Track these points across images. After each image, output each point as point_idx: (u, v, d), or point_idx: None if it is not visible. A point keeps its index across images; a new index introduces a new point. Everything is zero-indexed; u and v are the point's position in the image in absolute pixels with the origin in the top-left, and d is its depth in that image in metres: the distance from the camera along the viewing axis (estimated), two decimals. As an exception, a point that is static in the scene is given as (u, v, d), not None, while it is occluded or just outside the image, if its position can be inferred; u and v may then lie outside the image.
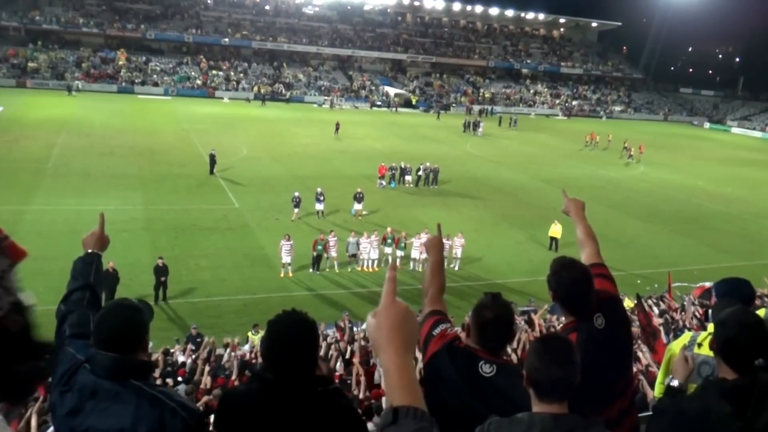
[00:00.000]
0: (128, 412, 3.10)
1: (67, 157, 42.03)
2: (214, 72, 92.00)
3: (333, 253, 27.41)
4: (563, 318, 4.24)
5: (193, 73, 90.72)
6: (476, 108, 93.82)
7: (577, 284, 3.93)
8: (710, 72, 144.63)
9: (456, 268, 28.32)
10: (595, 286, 4.07)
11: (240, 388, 3.78)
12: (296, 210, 32.64)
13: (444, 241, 26.39)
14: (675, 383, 4.07)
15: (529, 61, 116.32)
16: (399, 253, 28.37)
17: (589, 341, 3.84)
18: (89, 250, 4.07)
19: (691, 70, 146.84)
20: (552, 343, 3.14)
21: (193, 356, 16.39)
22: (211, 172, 40.63)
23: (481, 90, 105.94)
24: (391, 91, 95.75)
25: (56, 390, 3.33)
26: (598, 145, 68.04)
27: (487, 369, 3.60)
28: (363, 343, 17.06)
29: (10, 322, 2.69)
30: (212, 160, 40.71)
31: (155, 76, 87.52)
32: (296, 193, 32.84)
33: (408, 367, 2.14)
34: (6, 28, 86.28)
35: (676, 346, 4.74)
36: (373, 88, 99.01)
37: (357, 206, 34.68)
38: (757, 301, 12.82)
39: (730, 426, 3.42)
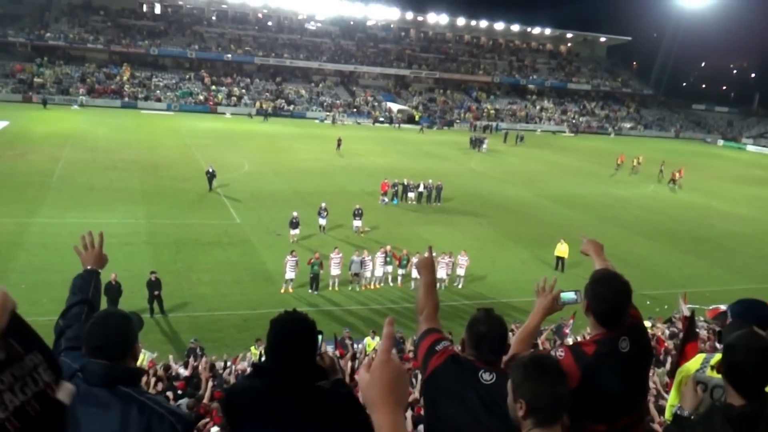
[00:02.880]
0: (116, 418, 3.18)
1: (72, 171, 42.05)
2: (216, 87, 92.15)
3: (336, 271, 27.01)
4: (588, 329, 4.26)
5: (195, 89, 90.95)
6: (481, 124, 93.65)
7: (616, 298, 3.92)
8: (724, 88, 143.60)
9: (459, 287, 28.04)
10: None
11: (243, 382, 3.83)
12: (294, 231, 31.80)
13: (447, 258, 26.22)
14: (685, 412, 3.91)
15: (535, 76, 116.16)
16: (400, 271, 28.03)
17: (608, 357, 3.85)
18: (88, 267, 4.24)
19: (704, 85, 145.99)
20: (545, 362, 3.11)
21: (193, 369, 16.22)
22: (210, 188, 40.35)
23: (486, 106, 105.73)
24: (394, 107, 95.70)
25: None
26: (633, 167, 64.02)
27: (487, 377, 3.61)
28: (364, 360, 16.81)
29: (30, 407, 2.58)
30: (211, 176, 40.46)
31: (158, 91, 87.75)
32: (294, 214, 32.13)
33: (401, 425, 2.12)
34: (13, 44, 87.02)
35: (689, 367, 4.63)
36: (376, 104, 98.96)
37: (357, 223, 34.41)
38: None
39: None
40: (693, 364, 4.74)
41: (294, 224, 31.73)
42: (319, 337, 3.67)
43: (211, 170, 40.63)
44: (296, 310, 3.67)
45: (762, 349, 3.41)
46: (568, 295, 4.49)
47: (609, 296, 3.90)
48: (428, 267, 4.39)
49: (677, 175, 57.37)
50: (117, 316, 3.50)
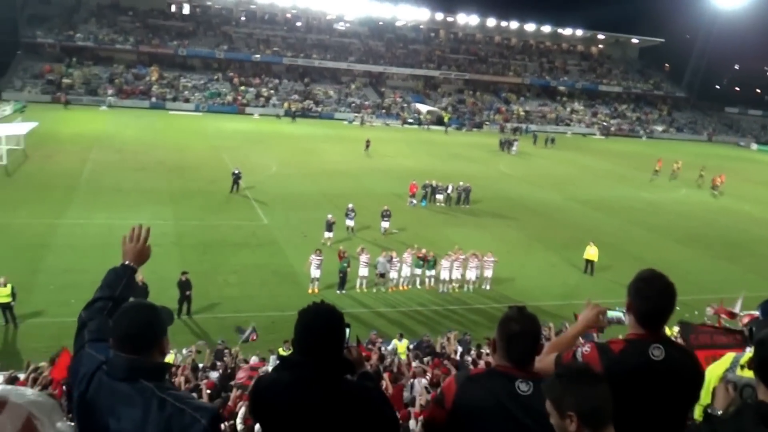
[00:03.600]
0: (137, 414, 3.11)
1: (99, 172, 42.32)
2: (244, 88, 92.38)
3: (363, 272, 26.86)
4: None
5: (223, 89, 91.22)
6: (510, 126, 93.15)
7: (659, 298, 3.83)
8: (758, 90, 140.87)
9: (487, 288, 27.77)
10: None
11: (271, 375, 3.76)
12: (328, 234, 31.58)
13: (476, 260, 25.96)
14: (716, 411, 3.74)
15: (566, 78, 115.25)
16: (429, 272, 27.78)
17: (635, 359, 3.74)
18: (126, 262, 4.19)
19: (737, 88, 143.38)
20: (579, 370, 3.16)
21: (220, 371, 16.31)
22: (232, 190, 40.18)
23: (516, 108, 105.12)
24: (423, 108, 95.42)
25: (76, 391, 3.38)
26: (672, 172, 61.40)
27: (524, 388, 3.52)
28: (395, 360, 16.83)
29: None
30: (236, 178, 40.36)
31: (186, 92, 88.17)
32: (329, 216, 32.02)
33: None
34: (42, 45, 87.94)
35: (718, 368, 4.61)
36: (405, 105, 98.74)
37: (385, 224, 34.31)
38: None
39: None
40: (723, 363, 4.65)
41: (329, 227, 31.56)
42: (347, 330, 3.67)
43: (237, 172, 40.58)
44: (324, 302, 3.65)
45: None
46: (615, 314, 4.34)
47: (652, 295, 3.82)
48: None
49: (718, 180, 56.01)
50: (145, 308, 3.44)
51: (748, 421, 3.31)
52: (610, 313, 4.32)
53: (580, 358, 3.83)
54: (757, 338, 3.59)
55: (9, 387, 3.21)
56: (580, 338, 4.27)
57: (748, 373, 4.06)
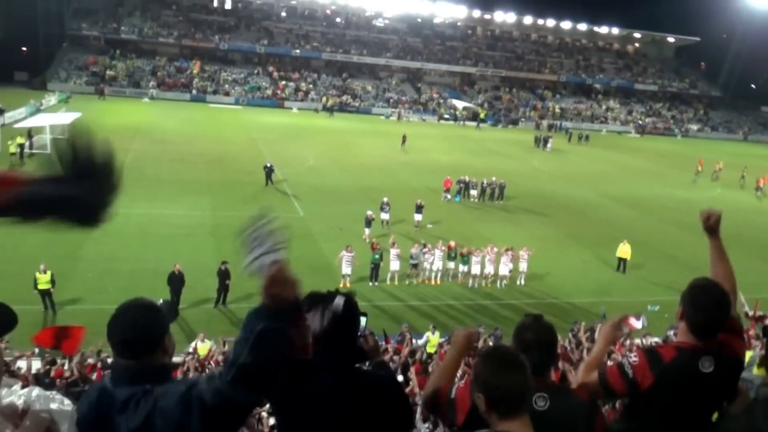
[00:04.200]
0: (140, 419, 2.86)
1: (141, 163, 42.84)
2: (284, 82, 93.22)
3: (395, 265, 27.18)
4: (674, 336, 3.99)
5: (263, 83, 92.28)
6: (546, 123, 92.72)
7: (715, 308, 3.72)
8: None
9: (521, 283, 28.00)
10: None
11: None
12: (367, 230, 31.73)
13: (510, 254, 25.89)
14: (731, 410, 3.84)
15: (601, 76, 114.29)
16: (462, 267, 28.01)
17: (685, 368, 3.67)
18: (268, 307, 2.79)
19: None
20: (502, 353, 3.10)
21: None
22: (267, 183, 40.69)
23: (552, 105, 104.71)
24: (459, 104, 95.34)
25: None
26: (714, 172, 59.95)
27: (541, 404, 3.44)
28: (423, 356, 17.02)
29: None
30: (269, 171, 40.79)
31: (227, 85, 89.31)
32: (369, 212, 32.23)
33: None
34: (87, 38, 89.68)
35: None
36: (441, 101, 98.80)
37: (418, 217, 34.57)
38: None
39: None
40: None
41: (368, 223, 31.80)
42: (363, 318, 3.66)
43: (269, 165, 41.01)
44: (339, 290, 3.59)
45: None
46: (636, 322, 4.32)
47: (708, 305, 3.72)
48: (462, 347, 4.11)
49: (761, 181, 54.94)
50: (137, 308, 3.14)
51: (759, 416, 3.46)
52: (633, 321, 4.27)
53: (629, 370, 3.75)
54: None
55: (36, 393, 3.22)
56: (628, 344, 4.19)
57: (763, 372, 4.13)
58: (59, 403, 3.21)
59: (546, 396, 3.45)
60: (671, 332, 17.77)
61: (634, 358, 3.79)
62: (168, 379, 3.11)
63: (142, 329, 3.08)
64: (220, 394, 2.66)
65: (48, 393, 3.30)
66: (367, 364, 3.87)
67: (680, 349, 3.75)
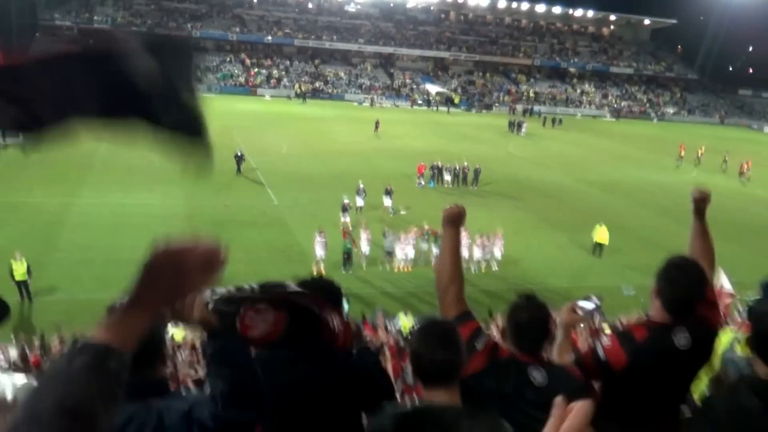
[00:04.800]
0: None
1: (114, 152, 42.45)
2: (256, 70, 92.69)
3: (365, 250, 27.24)
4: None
5: (236, 71, 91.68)
6: (520, 108, 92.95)
7: (691, 285, 3.79)
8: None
9: (495, 269, 27.98)
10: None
11: (266, 351, 3.71)
12: (344, 218, 31.42)
13: (482, 240, 25.85)
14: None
15: (576, 59, 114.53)
16: (436, 250, 27.91)
17: (658, 345, 3.73)
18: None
19: (751, 70, 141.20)
20: (434, 327, 3.12)
21: None
22: (238, 171, 40.27)
23: (526, 89, 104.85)
24: (433, 89, 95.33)
25: None
26: (697, 157, 59.73)
27: (537, 376, 3.47)
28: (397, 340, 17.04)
29: None
30: (239, 159, 40.41)
31: (199, 73, 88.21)
32: (345, 200, 32.17)
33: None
34: (60, 28, 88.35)
35: (718, 347, 4.44)
36: (415, 86, 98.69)
37: (387, 201, 34.63)
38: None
39: (758, 423, 3.23)
40: (722, 343, 4.68)
41: (344, 209, 31.64)
42: (345, 304, 3.64)
43: (239, 153, 40.63)
44: (322, 277, 3.83)
45: None
46: (586, 304, 4.27)
47: (684, 282, 3.79)
48: (455, 220, 4.14)
49: (745, 167, 54.45)
50: None
51: (742, 393, 3.34)
52: (581, 304, 4.24)
53: (601, 354, 3.81)
54: (755, 312, 3.62)
55: (21, 381, 3.17)
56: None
57: (748, 351, 3.99)
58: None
59: (544, 372, 3.49)
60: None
61: (606, 341, 3.84)
62: (167, 392, 3.15)
63: (147, 343, 2.82)
64: (219, 419, 2.74)
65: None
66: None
67: (651, 327, 3.81)
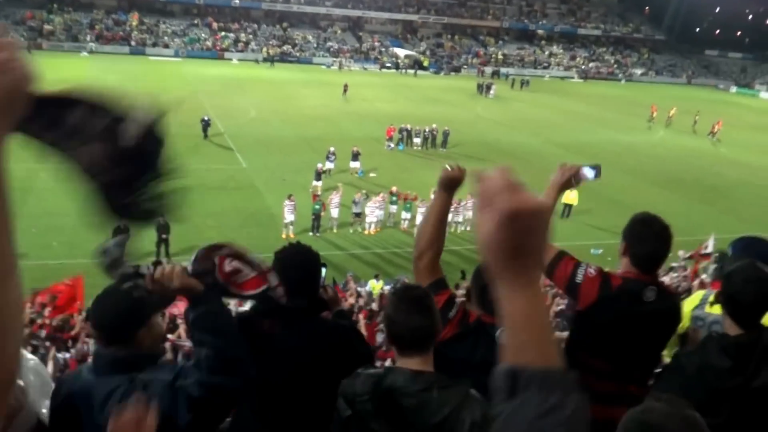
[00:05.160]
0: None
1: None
2: (223, 34, 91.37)
3: (335, 213, 27.30)
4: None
5: (203, 35, 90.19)
6: (488, 70, 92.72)
7: (657, 240, 3.87)
8: (738, 33, 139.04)
9: (466, 229, 28.15)
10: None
11: (247, 313, 3.79)
12: (317, 183, 31.11)
13: (455, 204, 25.85)
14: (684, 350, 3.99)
15: (544, 21, 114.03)
16: (405, 215, 28.03)
17: (628, 296, 3.80)
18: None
19: (717, 31, 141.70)
20: (408, 293, 3.14)
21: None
22: (204, 136, 39.69)
23: (494, 51, 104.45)
24: (401, 52, 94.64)
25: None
26: (668, 118, 59.82)
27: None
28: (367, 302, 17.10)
29: None
30: (205, 125, 39.79)
31: (166, 38, 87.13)
32: (319, 165, 32.04)
33: (541, 307, 1.42)
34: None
35: (688, 305, 4.62)
36: (383, 49, 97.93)
37: (354, 164, 34.75)
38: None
39: (727, 381, 3.37)
40: (693, 300, 4.77)
41: (317, 176, 31.40)
42: (323, 269, 3.78)
43: (206, 119, 40.01)
44: (300, 243, 3.72)
45: (760, 279, 3.46)
46: (588, 172, 4.32)
47: (650, 238, 3.86)
48: (449, 184, 3.99)
49: (716, 127, 54.56)
50: (120, 294, 3.04)
51: (711, 351, 3.49)
52: (585, 171, 4.29)
53: (580, 276, 3.86)
54: (726, 272, 3.74)
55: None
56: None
57: (717, 309, 4.15)
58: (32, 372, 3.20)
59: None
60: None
61: (592, 271, 3.89)
62: (154, 365, 3.10)
63: (123, 316, 3.04)
64: (204, 386, 2.75)
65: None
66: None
67: (626, 278, 3.86)
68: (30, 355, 3.28)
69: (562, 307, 14.29)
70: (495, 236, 1.35)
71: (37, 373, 3.21)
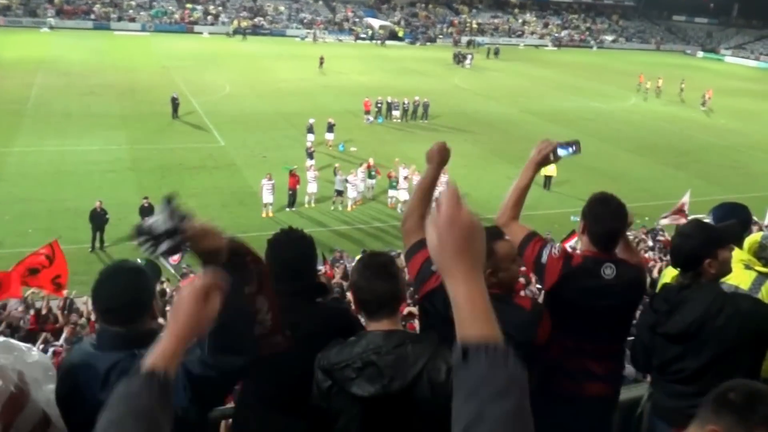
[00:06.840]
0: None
1: (47, 98, 41.31)
2: (191, 6, 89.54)
3: (312, 188, 27.17)
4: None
5: (170, 8, 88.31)
6: (464, 39, 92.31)
7: (612, 219, 4.03)
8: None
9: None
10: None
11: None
12: (311, 161, 30.20)
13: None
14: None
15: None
16: (392, 192, 27.99)
17: (587, 274, 3.97)
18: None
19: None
20: (372, 260, 3.30)
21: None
22: (174, 116, 38.85)
23: (468, 20, 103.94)
24: (375, 23, 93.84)
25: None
26: (656, 88, 59.74)
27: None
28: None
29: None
30: (175, 103, 38.92)
31: (131, 11, 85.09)
32: (309, 145, 31.85)
33: (480, 294, 1.78)
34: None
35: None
36: (357, 20, 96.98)
37: (329, 136, 34.71)
38: (754, 228, 12.82)
39: (664, 324, 3.94)
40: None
41: (310, 155, 30.84)
42: (319, 254, 3.70)
43: (175, 96, 39.13)
44: (292, 228, 3.77)
45: (698, 227, 4.04)
46: (563, 151, 4.31)
47: (606, 216, 4.01)
48: (432, 157, 4.19)
49: (706, 96, 54.52)
50: (126, 271, 3.07)
51: (656, 300, 4.09)
52: (560, 151, 4.27)
53: (545, 257, 4.05)
54: (680, 229, 4.19)
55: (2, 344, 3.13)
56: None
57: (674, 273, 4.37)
58: (33, 356, 3.16)
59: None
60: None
61: (555, 252, 4.08)
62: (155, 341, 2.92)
63: (131, 295, 3.02)
64: (205, 365, 2.68)
65: (17, 345, 3.19)
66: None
67: (585, 256, 4.08)
68: (34, 350, 3.26)
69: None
70: (438, 243, 1.78)
71: (44, 367, 3.19)
